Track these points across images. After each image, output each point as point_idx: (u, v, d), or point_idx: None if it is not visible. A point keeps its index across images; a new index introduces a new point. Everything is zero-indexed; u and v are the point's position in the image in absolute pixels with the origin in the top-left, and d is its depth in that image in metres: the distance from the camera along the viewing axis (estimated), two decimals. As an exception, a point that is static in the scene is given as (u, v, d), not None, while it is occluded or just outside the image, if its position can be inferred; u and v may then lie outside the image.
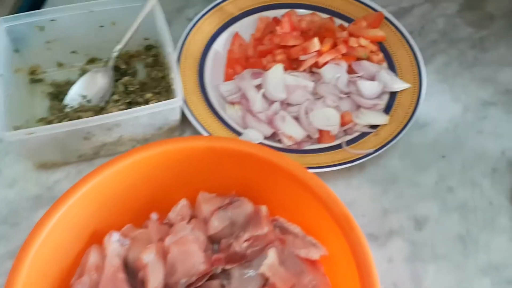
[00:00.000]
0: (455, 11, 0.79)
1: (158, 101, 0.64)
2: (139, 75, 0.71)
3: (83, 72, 0.69)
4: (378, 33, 0.68)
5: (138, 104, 0.65)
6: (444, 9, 0.79)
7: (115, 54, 0.66)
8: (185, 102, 0.63)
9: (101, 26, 0.68)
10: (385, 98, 0.65)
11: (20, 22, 0.63)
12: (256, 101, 0.62)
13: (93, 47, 0.70)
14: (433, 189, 0.61)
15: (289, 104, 0.65)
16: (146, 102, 0.64)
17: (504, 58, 0.74)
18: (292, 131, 0.60)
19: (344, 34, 0.69)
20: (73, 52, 0.69)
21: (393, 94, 0.65)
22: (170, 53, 0.62)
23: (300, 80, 0.64)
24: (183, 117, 0.63)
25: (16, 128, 0.58)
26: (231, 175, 0.54)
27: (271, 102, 0.64)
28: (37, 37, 0.65)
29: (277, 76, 0.64)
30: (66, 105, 0.65)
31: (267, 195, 0.53)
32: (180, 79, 0.59)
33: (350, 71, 0.67)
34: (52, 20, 0.64)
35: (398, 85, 0.64)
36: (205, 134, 0.61)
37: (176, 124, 0.63)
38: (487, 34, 0.76)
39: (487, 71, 0.72)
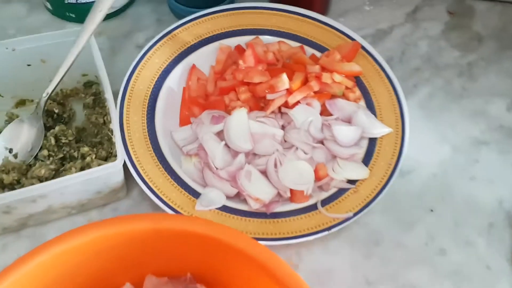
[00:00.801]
0: (439, 32, 0.71)
1: (97, 156, 0.54)
2: (77, 118, 0.61)
3: (9, 117, 0.58)
4: (354, 67, 0.59)
5: (73, 159, 0.54)
6: (426, 30, 0.71)
7: (44, 98, 0.56)
8: (130, 156, 0.53)
9: (29, 65, 0.57)
10: (364, 144, 0.56)
11: None
12: (217, 154, 0.53)
13: (22, 88, 0.59)
14: (422, 251, 0.53)
15: (255, 155, 0.55)
16: (83, 157, 0.54)
17: (495, 86, 0.66)
18: (259, 192, 0.51)
19: (316, 68, 0.59)
20: (-3, 95, 0.59)
21: (373, 140, 0.56)
22: (109, 100, 0.52)
23: (268, 128, 0.55)
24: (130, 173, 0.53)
25: None
26: (182, 255, 0.44)
27: (234, 153, 0.54)
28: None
29: (240, 123, 0.55)
30: (-14, 161, 0.55)
31: (225, 277, 0.44)
32: (120, 135, 0.49)
33: (324, 110, 0.58)
34: (-32, 61, 0.53)
35: (378, 130, 0.56)
36: (154, 198, 0.51)
37: (119, 186, 0.53)
38: (475, 58, 0.68)
39: (477, 103, 0.64)
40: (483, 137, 0.61)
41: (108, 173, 0.48)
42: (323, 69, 0.60)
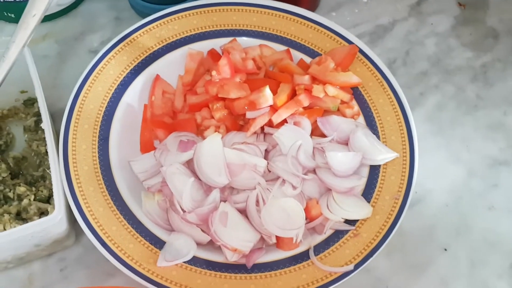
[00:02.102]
0: (448, 28, 0.60)
1: (36, 196, 0.44)
2: (16, 145, 0.50)
3: None
4: (352, 78, 0.49)
5: (7, 200, 0.44)
6: (434, 25, 0.60)
7: (-31, 125, 0.45)
8: (76, 198, 0.43)
9: None
10: (365, 172, 0.46)
11: None
12: (185, 193, 0.42)
13: None
14: (435, 302, 0.44)
15: (233, 189, 0.45)
16: (19, 199, 0.44)
17: (514, 93, 0.56)
18: (237, 239, 0.41)
19: (306, 79, 0.49)
20: None
21: (375, 168, 0.46)
22: (45, 129, 0.41)
23: (248, 157, 0.44)
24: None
25: None
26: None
27: (207, 188, 0.44)
28: None
29: (214, 151, 0.44)
30: None
31: None
32: (59, 174, 0.38)
33: (315, 129, 0.48)
34: None
35: (382, 155, 0.46)
36: (105, 253, 0.41)
37: (62, 236, 0.43)
38: (490, 59, 0.58)
39: (494, 114, 0.54)
40: (503, 156, 0.52)
41: (47, 227, 0.38)
42: (314, 79, 0.50)
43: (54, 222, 0.38)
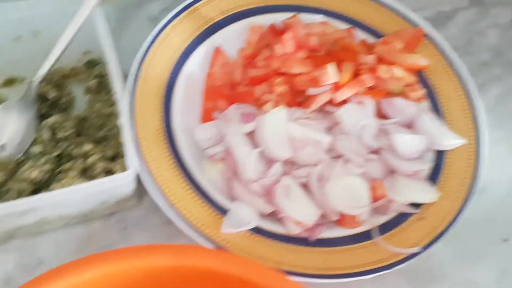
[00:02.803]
0: (510, 20, 0.59)
1: (103, 156, 0.44)
2: (77, 105, 0.50)
3: (-4, 99, 0.48)
4: (420, 60, 0.48)
5: (72, 158, 0.44)
6: (496, 17, 0.59)
7: (36, 81, 0.45)
8: (143, 161, 0.43)
9: (17, 38, 0.46)
10: (429, 158, 0.46)
11: None
12: (248, 164, 0.42)
13: (10, 64, 0.48)
14: (493, 292, 0.44)
15: (294, 164, 0.45)
16: (84, 156, 0.44)
17: None
18: (301, 212, 0.41)
19: (371, 59, 0.48)
20: (-20, 72, 0.48)
21: (440, 154, 0.46)
22: (117, 89, 0.41)
23: (312, 133, 0.44)
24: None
25: None
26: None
27: (268, 161, 0.44)
28: None
29: (277, 125, 0.44)
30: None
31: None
32: (132, 135, 0.38)
33: (378, 112, 0.48)
34: None
35: (449, 140, 0.45)
36: (171, 215, 0.41)
37: (128, 196, 0.43)
38: (553, 54, 0.57)
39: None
40: None
41: (119, 184, 0.38)
42: (380, 60, 0.49)
43: (127, 180, 0.38)
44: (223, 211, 0.43)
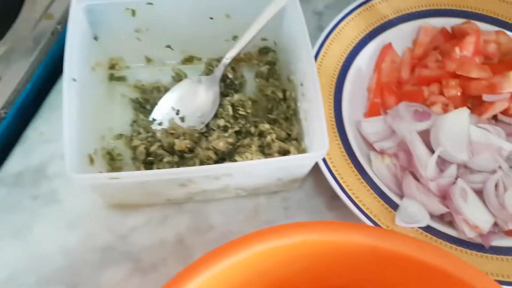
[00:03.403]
0: None
1: (277, 136, 0.46)
2: (247, 87, 0.53)
3: (176, 73, 0.52)
4: None
5: (248, 135, 0.47)
6: None
7: (227, 61, 0.48)
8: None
9: (211, 18, 0.49)
10: None
11: (105, 1, 0.46)
12: (430, 162, 0.43)
13: (194, 43, 0.52)
14: None
15: (467, 168, 0.45)
16: (260, 135, 0.47)
17: None
18: (477, 217, 0.41)
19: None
20: (168, 46, 0.52)
21: None
22: (313, 79, 0.42)
23: (492, 138, 0.44)
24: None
25: (90, 151, 0.42)
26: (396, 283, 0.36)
27: (441, 162, 0.44)
28: (125, 22, 0.48)
29: (458, 126, 0.44)
30: (153, 120, 0.49)
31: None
32: (324, 119, 0.40)
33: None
34: (149, 3, 0.47)
35: None
36: (347, 201, 0.42)
37: (301, 176, 0.45)
38: None
39: None
40: None
41: (302, 163, 0.40)
42: None
43: (315, 160, 0.40)
44: (392, 204, 0.43)
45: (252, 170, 0.40)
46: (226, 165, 0.40)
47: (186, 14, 0.48)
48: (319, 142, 0.40)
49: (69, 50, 0.42)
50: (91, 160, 0.42)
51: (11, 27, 0.51)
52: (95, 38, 0.48)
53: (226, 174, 0.40)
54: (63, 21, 0.53)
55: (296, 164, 0.41)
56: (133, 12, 0.47)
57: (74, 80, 0.41)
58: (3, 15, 0.52)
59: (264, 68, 0.52)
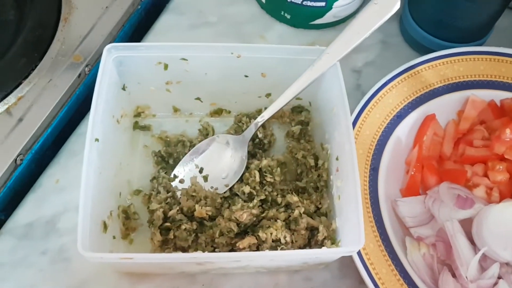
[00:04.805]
0: None
1: (305, 210, 0.42)
2: (276, 147, 0.50)
3: (203, 127, 0.49)
4: None
5: (274, 204, 0.44)
6: None
7: (259, 123, 0.45)
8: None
9: (246, 76, 0.46)
10: None
11: (137, 54, 0.43)
12: (473, 261, 0.39)
13: (225, 96, 0.49)
14: None
15: (509, 266, 0.41)
16: (287, 207, 0.43)
17: None
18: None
19: None
20: (197, 99, 0.49)
21: None
22: (352, 158, 0.38)
23: (543, 238, 0.40)
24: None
25: (104, 217, 0.40)
26: None
27: (483, 259, 0.40)
28: (156, 75, 0.46)
29: (504, 221, 0.40)
30: (174, 177, 0.46)
31: None
32: (362, 211, 0.36)
33: None
34: (183, 58, 0.44)
35: None
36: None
37: (328, 262, 0.41)
38: None
39: None
40: None
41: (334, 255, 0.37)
42: None
43: (347, 254, 0.36)
44: (426, 301, 0.40)
45: (277, 258, 0.37)
46: (249, 254, 0.37)
47: (219, 71, 0.45)
48: (353, 232, 0.36)
49: (96, 106, 0.39)
50: (105, 227, 0.39)
51: (37, 66, 0.50)
52: (123, 88, 0.46)
53: (246, 260, 0.37)
54: (91, 63, 0.51)
55: (325, 256, 0.37)
56: (166, 66, 0.45)
57: (97, 140, 0.38)
58: (31, 51, 0.50)
59: (296, 128, 0.49)
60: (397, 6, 0.42)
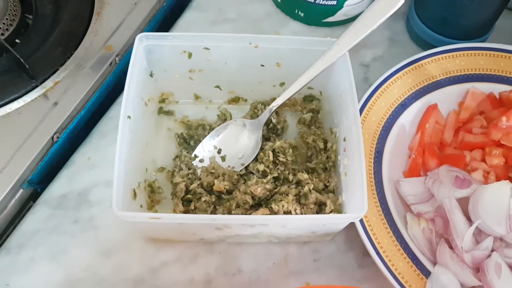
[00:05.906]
0: None
1: (315, 186, 0.46)
2: (288, 132, 0.54)
3: (222, 112, 0.54)
4: None
5: (286, 182, 0.48)
6: None
7: (273, 108, 0.49)
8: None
9: (262, 66, 0.51)
10: None
11: (165, 43, 0.48)
12: (468, 232, 0.42)
13: (242, 85, 0.53)
14: None
15: (502, 241, 0.44)
16: (298, 183, 0.47)
17: None
18: (511, 295, 0.40)
19: None
20: (217, 87, 0.54)
21: None
22: (358, 136, 0.42)
23: (533, 215, 0.43)
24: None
25: (134, 185, 0.44)
26: None
27: (477, 233, 0.44)
28: (181, 63, 0.50)
29: (499, 199, 0.43)
30: (195, 157, 0.50)
31: None
32: (365, 181, 0.40)
33: None
34: (206, 48, 0.49)
35: None
36: (379, 262, 0.42)
37: (334, 232, 0.45)
38: None
39: None
40: None
41: (338, 222, 0.41)
42: None
43: (352, 220, 0.40)
44: (424, 271, 0.43)
45: (288, 223, 0.41)
46: (263, 217, 0.41)
47: (238, 60, 0.50)
48: (357, 203, 0.40)
49: (128, 88, 0.44)
50: (134, 195, 0.43)
51: (72, 55, 0.55)
52: (151, 75, 0.51)
53: (262, 224, 0.41)
54: (121, 53, 0.56)
55: (332, 222, 0.41)
56: (190, 55, 0.49)
57: (129, 117, 0.43)
58: (66, 41, 0.55)
59: (307, 116, 0.53)
60: (401, 2, 0.46)
